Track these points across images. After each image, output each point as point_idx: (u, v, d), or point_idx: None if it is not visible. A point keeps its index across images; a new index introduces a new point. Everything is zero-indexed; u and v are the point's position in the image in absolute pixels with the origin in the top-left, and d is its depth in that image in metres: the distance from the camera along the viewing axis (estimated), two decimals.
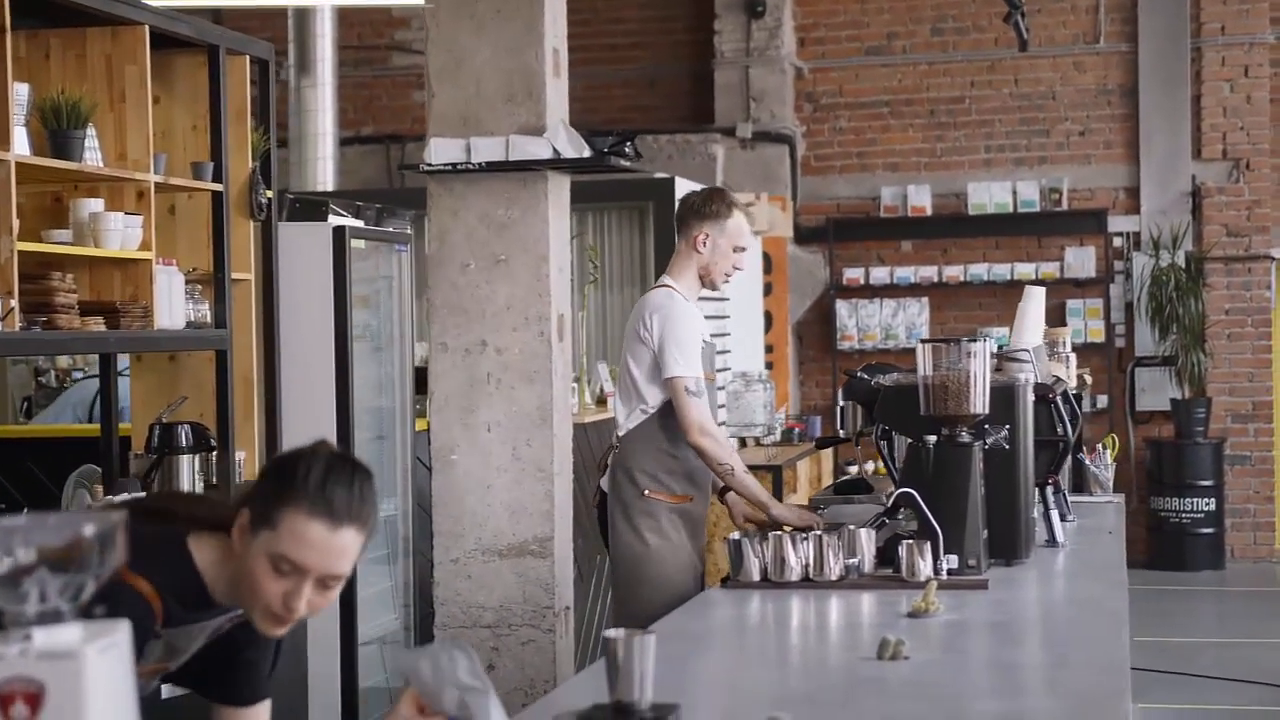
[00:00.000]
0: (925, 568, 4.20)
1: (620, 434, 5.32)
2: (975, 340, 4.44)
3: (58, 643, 1.75)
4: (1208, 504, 12.20)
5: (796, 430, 10.92)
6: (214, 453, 5.56)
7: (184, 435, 5.40)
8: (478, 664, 2.53)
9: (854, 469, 12.27)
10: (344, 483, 2.60)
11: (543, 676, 5.67)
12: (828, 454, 11.11)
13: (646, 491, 5.22)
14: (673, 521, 5.23)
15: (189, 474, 5.39)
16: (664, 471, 5.23)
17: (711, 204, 5.35)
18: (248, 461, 5.84)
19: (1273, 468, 12.63)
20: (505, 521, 5.72)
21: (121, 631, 1.81)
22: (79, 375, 8.75)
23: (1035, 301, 5.51)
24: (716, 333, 10.02)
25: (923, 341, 4.48)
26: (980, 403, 4.41)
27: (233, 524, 2.65)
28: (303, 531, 2.55)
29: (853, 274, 12.91)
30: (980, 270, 12.71)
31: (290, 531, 2.56)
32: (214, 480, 5.59)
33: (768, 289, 12.36)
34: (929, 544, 4.23)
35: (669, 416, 5.20)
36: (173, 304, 5.28)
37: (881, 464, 12.07)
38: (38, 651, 1.73)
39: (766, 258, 12.34)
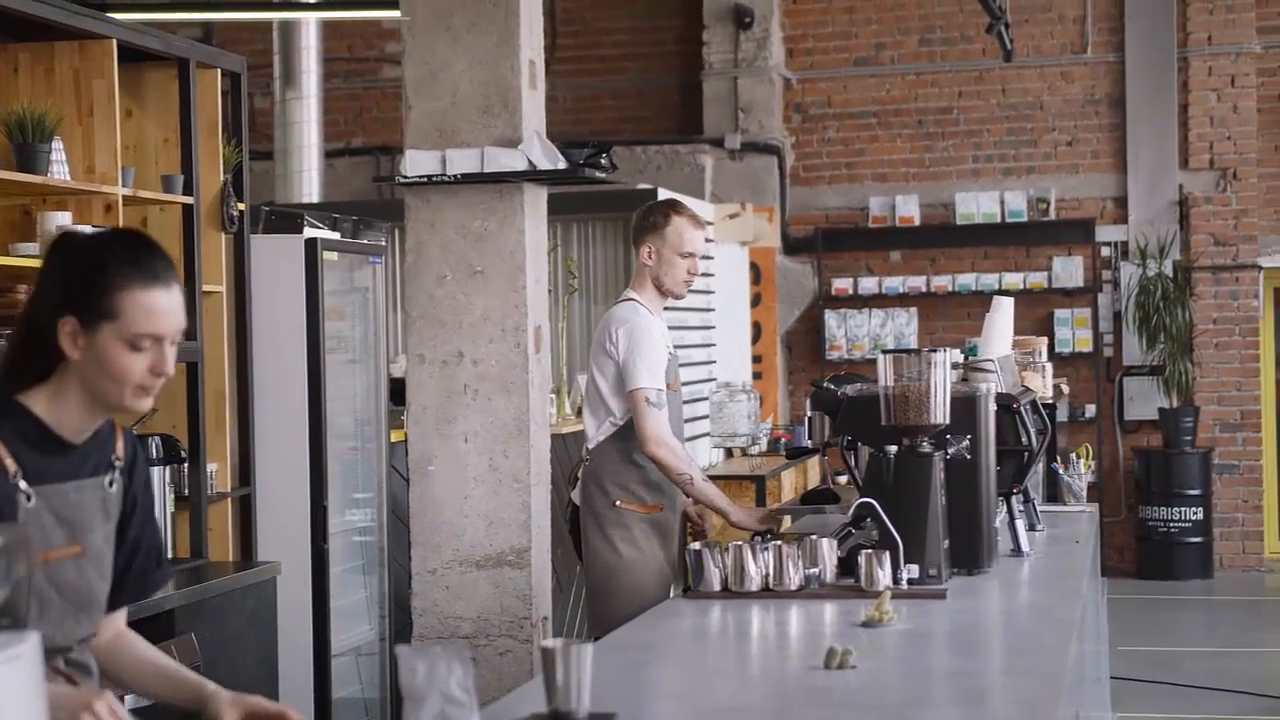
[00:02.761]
0: (884, 577, 4.21)
1: (590, 446, 5.40)
2: (936, 350, 4.45)
3: None
4: (1196, 513, 12.20)
5: (783, 440, 10.94)
6: (185, 465, 5.57)
7: (155, 447, 5.42)
8: (471, 680, 2.55)
9: (844, 479, 12.29)
10: (145, 249, 2.72)
11: (520, 687, 5.68)
12: (814, 464, 11.13)
13: (618, 502, 5.30)
14: (644, 531, 5.29)
15: (160, 486, 5.40)
16: (634, 482, 5.29)
17: (649, 216, 5.45)
18: (219, 474, 5.86)
19: (1261, 476, 12.63)
20: (482, 532, 5.74)
21: (30, 643, 1.82)
22: None
23: (1003, 312, 5.53)
24: (702, 343, 10.07)
25: (884, 352, 4.50)
26: (941, 413, 4.42)
27: (43, 371, 2.69)
28: (146, 304, 2.66)
29: (841, 284, 12.93)
30: (968, 280, 12.72)
31: (136, 311, 2.65)
32: (185, 492, 5.61)
33: (756, 299, 12.39)
34: (888, 554, 4.25)
35: None
36: None
37: None
38: None
39: (755, 268, 12.37)
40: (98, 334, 2.66)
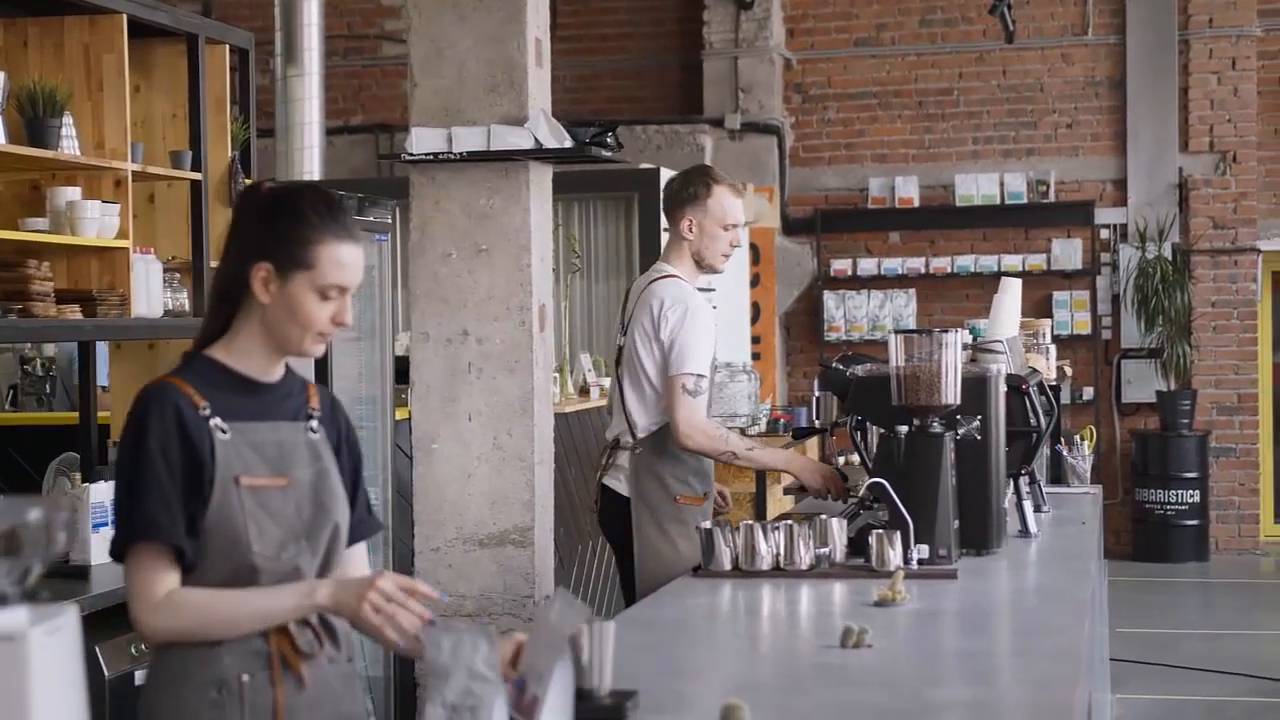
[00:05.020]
0: (895, 557, 4.22)
1: (639, 435, 5.16)
2: (947, 331, 4.45)
3: (3, 625, 1.77)
4: (1192, 496, 12.23)
5: (783, 421, 10.94)
6: None
7: None
8: (496, 656, 2.57)
9: (842, 459, 12.31)
10: (338, 205, 2.89)
11: None
12: (814, 444, 11.15)
13: (679, 498, 5.10)
14: (697, 523, 5.15)
15: None
16: (690, 473, 5.12)
17: (689, 186, 5.21)
18: None
19: (1257, 460, 12.66)
20: (486, 511, 5.73)
21: (69, 615, 1.82)
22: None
23: (1011, 293, 5.53)
24: None
25: (895, 332, 4.50)
26: (952, 393, 4.42)
27: (225, 325, 2.86)
28: (339, 257, 2.82)
29: (840, 265, 12.93)
30: (967, 262, 12.73)
31: (330, 263, 2.81)
32: None
33: (755, 280, 12.39)
34: (899, 534, 4.26)
35: None
36: (150, 292, 5.29)
37: None
38: None
39: (754, 248, 12.37)
40: (290, 281, 2.81)
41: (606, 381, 8.40)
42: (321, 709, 2.87)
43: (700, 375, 5.00)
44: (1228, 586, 11.66)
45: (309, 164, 10.73)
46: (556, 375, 7.86)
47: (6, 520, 1.78)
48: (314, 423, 2.94)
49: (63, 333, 5.23)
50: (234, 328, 2.87)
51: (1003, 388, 4.73)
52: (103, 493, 5.10)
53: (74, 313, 4.95)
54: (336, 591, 2.78)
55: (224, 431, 2.80)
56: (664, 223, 9.81)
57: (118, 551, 2.80)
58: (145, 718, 2.86)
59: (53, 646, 1.78)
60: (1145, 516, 12.32)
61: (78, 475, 5.45)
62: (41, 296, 4.80)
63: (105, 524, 4.77)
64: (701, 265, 5.24)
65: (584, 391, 8.08)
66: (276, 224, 2.83)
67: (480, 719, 2.62)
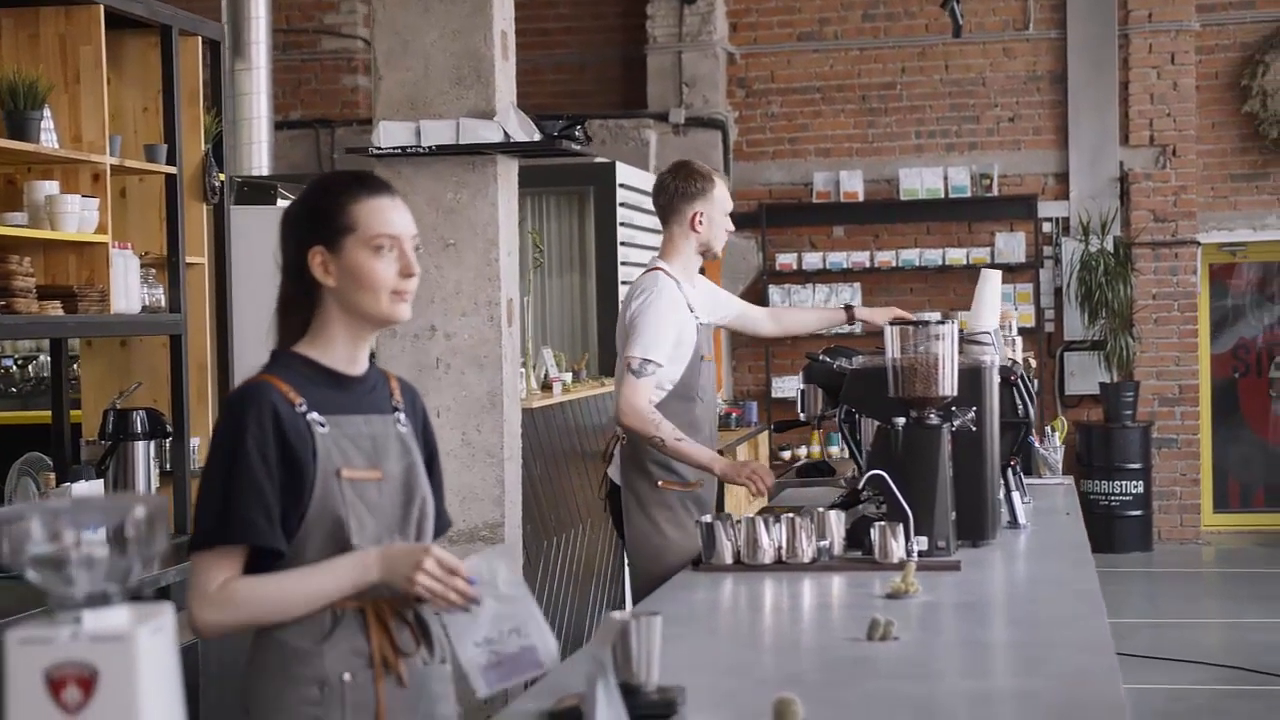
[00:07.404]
0: (898, 549, 4.21)
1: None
2: (944, 322, 4.45)
3: (108, 625, 1.73)
4: (1136, 486, 12.34)
5: (734, 416, 10.96)
6: (169, 439, 5.48)
7: (139, 421, 5.33)
8: (516, 573, 2.56)
9: (787, 454, 12.34)
10: (367, 173, 2.96)
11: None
12: (764, 438, 11.17)
13: (660, 483, 5.14)
14: (688, 510, 5.12)
15: (144, 460, 5.32)
16: (674, 459, 5.12)
17: (695, 183, 5.27)
18: (202, 448, 5.77)
19: (1199, 450, 12.79)
20: (456, 507, 5.70)
21: (167, 614, 1.78)
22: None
23: (992, 284, 5.54)
24: None
25: (891, 323, 4.49)
26: (948, 384, 4.42)
27: (304, 326, 2.86)
28: (377, 208, 2.84)
29: (785, 259, 12.95)
30: (912, 255, 12.78)
31: (369, 216, 2.83)
32: (169, 467, 5.52)
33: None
34: (900, 526, 4.25)
35: (674, 403, 5.11)
36: (129, 288, 5.21)
37: (819, 448, 12.04)
38: (89, 635, 1.71)
39: None
40: (343, 251, 2.82)
41: (569, 377, 8.38)
42: (419, 708, 2.84)
43: (646, 359, 5.03)
44: (1172, 576, 11.78)
45: (258, 159, 10.64)
46: (522, 371, 7.81)
47: (112, 518, 1.73)
48: (401, 415, 2.92)
49: (44, 329, 5.13)
50: (313, 326, 2.86)
51: (996, 379, 4.74)
52: (84, 492, 5.02)
53: (55, 309, 4.86)
54: (386, 567, 2.74)
55: (322, 425, 2.80)
56: (620, 218, 9.77)
57: (199, 547, 2.77)
58: (245, 711, 2.84)
59: (157, 645, 1.75)
60: (1090, 507, 12.37)
61: (51, 475, 5.35)
62: (23, 292, 4.71)
63: None
64: (707, 254, 5.34)
65: (547, 387, 8.03)
66: (312, 211, 2.85)
67: (528, 634, 2.63)
